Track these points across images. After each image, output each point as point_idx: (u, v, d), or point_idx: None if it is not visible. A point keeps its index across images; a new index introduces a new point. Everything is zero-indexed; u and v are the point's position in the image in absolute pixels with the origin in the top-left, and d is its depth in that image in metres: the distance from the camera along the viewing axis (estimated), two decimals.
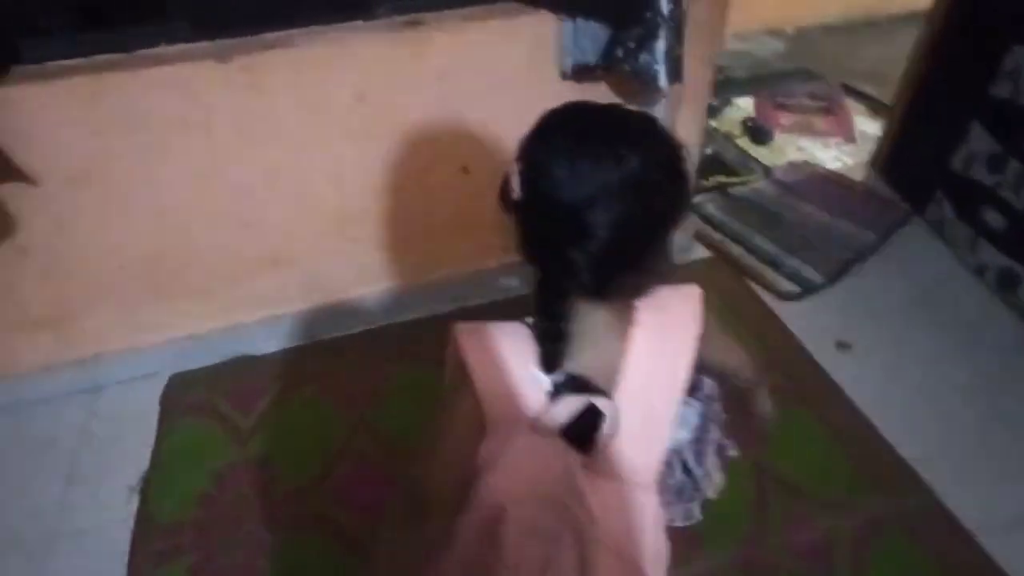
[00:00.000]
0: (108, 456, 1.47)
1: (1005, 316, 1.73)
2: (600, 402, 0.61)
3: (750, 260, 1.92)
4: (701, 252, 1.97)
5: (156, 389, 1.57)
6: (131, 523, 1.32)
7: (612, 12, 1.26)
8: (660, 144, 0.64)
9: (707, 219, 2.05)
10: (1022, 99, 1.65)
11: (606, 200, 0.58)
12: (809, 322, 1.70)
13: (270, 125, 1.35)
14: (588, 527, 0.59)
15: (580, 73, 1.41)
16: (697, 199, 2.10)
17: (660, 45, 1.25)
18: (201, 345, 1.60)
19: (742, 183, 2.26)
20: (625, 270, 0.63)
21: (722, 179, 2.30)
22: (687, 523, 0.86)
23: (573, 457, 0.63)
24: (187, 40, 1.22)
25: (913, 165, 2.11)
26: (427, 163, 1.52)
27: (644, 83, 1.33)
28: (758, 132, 2.57)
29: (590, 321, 0.64)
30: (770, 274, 1.87)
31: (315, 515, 1.29)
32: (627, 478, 0.63)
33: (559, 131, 0.64)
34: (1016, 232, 1.69)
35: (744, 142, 2.57)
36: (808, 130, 2.65)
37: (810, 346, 1.64)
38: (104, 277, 1.43)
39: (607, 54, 1.31)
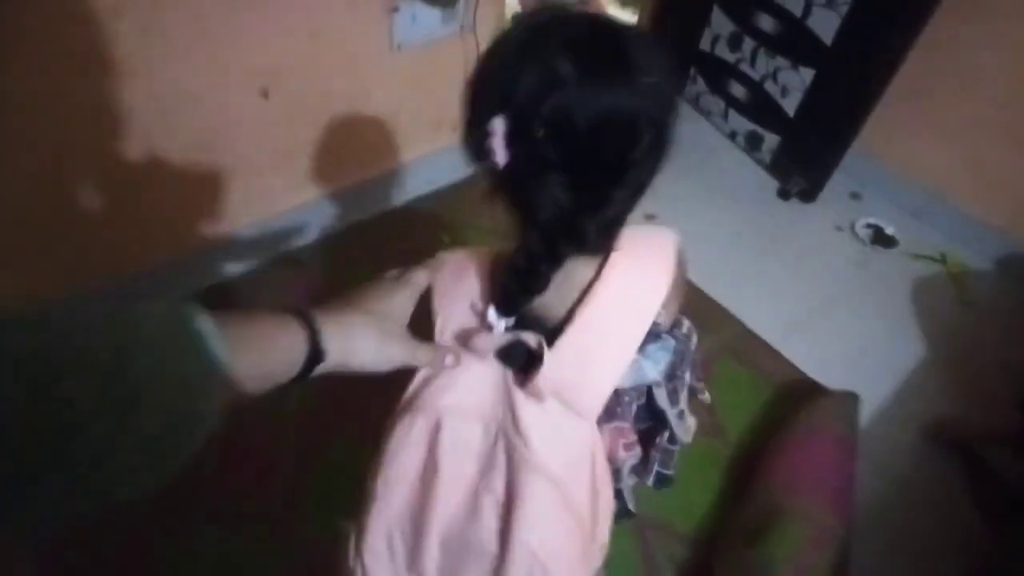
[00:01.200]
0: None
1: (753, 169, 2.12)
2: (527, 336, 0.58)
3: None
4: None
5: None
6: None
7: None
8: (667, 71, 0.52)
9: None
10: None
11: (636, 160, 0.50)
12: None
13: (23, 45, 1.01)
14: (524, 453, 0.58)
15: None
16: None
17: None
18: None
19: None
20: (625, 222, 0.58)
21: None
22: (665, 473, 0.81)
23: (510, 382, 0.60)
24: None
25: (668, 47, 2.38)
26: (220, 88, 1.29)
27: None
28: None
29: (568, 268, 0.57)
30: None
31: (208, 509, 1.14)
32: (571, 406, 0.60)
33: (567, 59, 0.46)
34: (756, 100, 2.05)
35: None
36: None
37: None
38: None
39: None
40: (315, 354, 0.46)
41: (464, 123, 0.53)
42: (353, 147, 1.63)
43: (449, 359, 0.59)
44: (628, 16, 2.88)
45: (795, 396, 1.44)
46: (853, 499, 1.19)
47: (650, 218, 1.87)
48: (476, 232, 1.74)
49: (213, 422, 0.36)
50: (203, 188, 1.41)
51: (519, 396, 0.59)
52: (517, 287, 0.56)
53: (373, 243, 1.68)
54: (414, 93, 1.64)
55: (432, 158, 1.83)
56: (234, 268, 1.55)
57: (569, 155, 0.48)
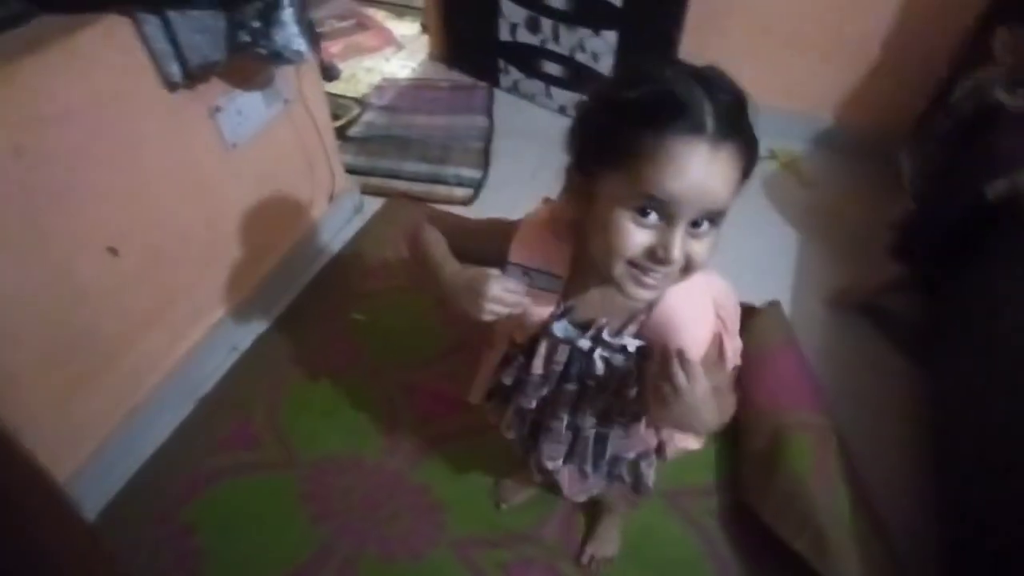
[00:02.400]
0: None
1: None
2: None
3: (418, 187, 2.00)
4: (376, 202, 1.95)
5: None
6: None
7: None
8: None
9: (355, 170, 2.01)
10: None
11: None
12: (503, 209, 1.90)
13: None
14: None
15: (199, 74, 1.15)
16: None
17: (288, 15, 1.10)
18: None
19: (350, 123, 2.25)
20: None
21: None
22: None
23: None
24: None
25: (469, 49, 2.41)
26: (60, 256, 1.08)
27: (284, 60, 1.17)
28: (326, 71, 2.51)
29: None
30: (441, 190, 1.99)
31: None
32: None
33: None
34: (572, 72, 2.15)
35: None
36: (360, 50, 2.71)
37: None
38: None
39: (232, 43, 1.09)
40: None
41: None
42: (228, 265, 1.46)
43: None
44: (408, 27, 2.85)
45: None
46: (820, 388, 1.36)
47: None
48: (386, 295, 1.67)
49: None
50: (74, 390, 1.19)
51: None
52: None
53: (287, 350, 1.54)
54: (268, 182, 1.51)
55: (314, 236, 1.72)
56: (143, 453, 1.34)
57: None
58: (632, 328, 0.71)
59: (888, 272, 1.56)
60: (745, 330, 1.46)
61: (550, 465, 0.90)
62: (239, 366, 1.50)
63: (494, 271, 0.69)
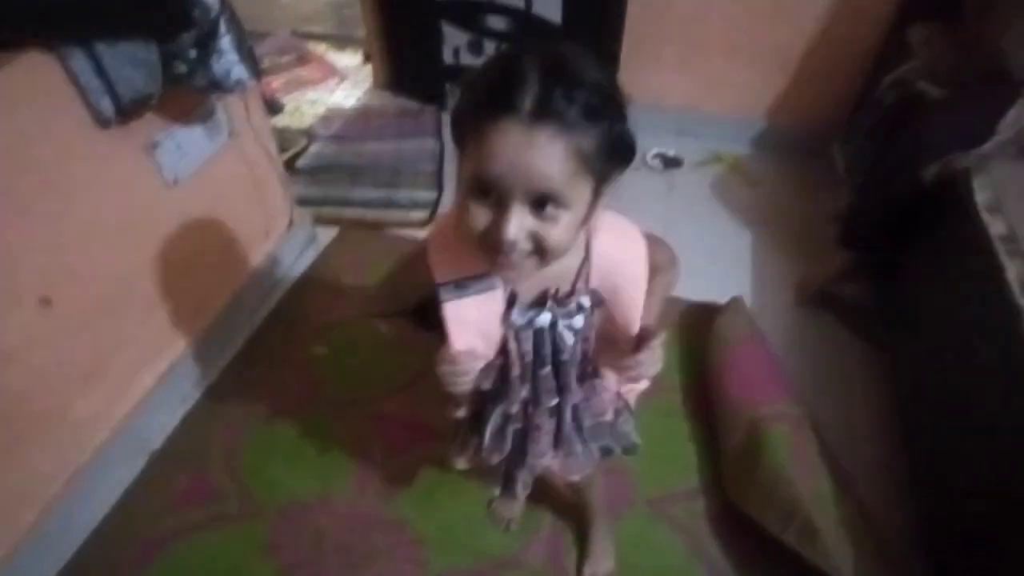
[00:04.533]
0: None
1: None
2: None
3: (372, 213, 1.96)
4: (330, 232, 1.91)
5: None
6: None
7: (147, 24, 0.99)
8: None
9: (306, 201, 1.96)
10: None
11: None
12: None
13: None
14: None
15: (133, 109, 1.10)
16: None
17: (227, 43, 1.07)
18: None
19: (298, 155, 2.20)
20: None
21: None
22: None
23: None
24: None
25: (414, 74, 2.41)
26: None
27: (226, 90, 1.13)
28: (268, 105, 2.47)
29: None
30: (396, 214, 1.96)
31: None
32: None
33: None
34: None
35: None
36: (302, 83, 2.68)
37: None
38: None
39: (168, 74, 1.05)
40: None
41: None
42: (175, 309, 1.39)
43: None
44: (349, 58, 2.84)
45: (695, 323, 1.59)
46: (790, 378, 1.37)
47: None
48: (345, 327, 1.62)
49: None
50: (12, 452, 1.09)
51: None
52: None
53: (243, 393, 1.46)
54: (214, 218, 1.45)
55: (266, 271, 1.66)
56: (93, 516, 1.24)
57: None
58: (580, 285, 0.71)
59: (838, 261, 1.61)
60: (710, 327, 1.49)
61: (544, 461, 0.88)
62: (192, 415, 1.41)
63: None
